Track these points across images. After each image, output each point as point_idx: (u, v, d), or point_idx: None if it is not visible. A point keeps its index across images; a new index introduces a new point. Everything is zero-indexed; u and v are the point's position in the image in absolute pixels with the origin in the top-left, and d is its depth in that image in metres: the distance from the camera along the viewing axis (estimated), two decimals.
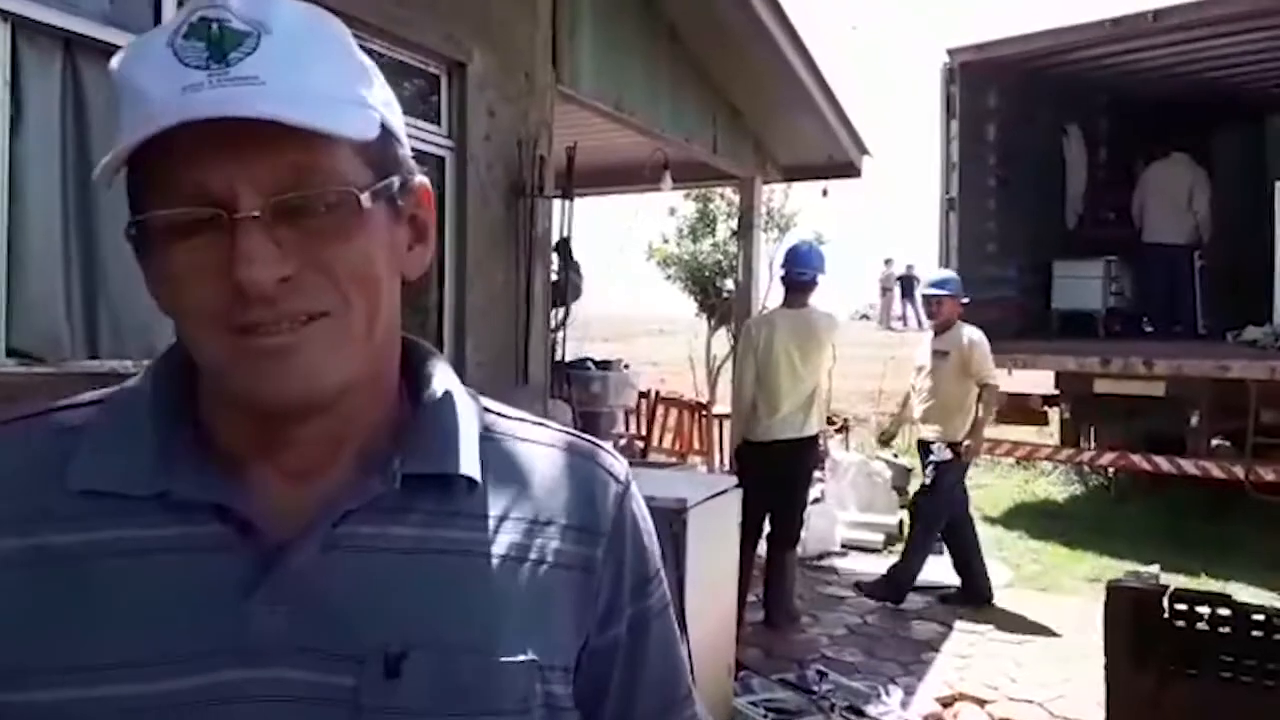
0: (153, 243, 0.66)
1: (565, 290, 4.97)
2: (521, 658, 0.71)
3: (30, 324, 2.76)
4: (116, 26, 2.88)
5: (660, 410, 8.50)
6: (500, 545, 0.74)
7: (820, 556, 6.98)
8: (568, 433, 0.84)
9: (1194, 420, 7.55)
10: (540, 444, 0.81)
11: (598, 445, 0.85)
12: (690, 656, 3.44)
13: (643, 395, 8.11)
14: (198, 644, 0.66)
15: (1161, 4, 7.03)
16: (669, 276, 11.80)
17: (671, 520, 3.49)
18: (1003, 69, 8.01)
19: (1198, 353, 7.41)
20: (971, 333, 5.97)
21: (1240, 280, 8.22)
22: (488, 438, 0.78)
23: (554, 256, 4.91)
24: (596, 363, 6.52)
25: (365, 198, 0.66)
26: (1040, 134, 8.73)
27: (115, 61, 0.66)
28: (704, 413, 8.73)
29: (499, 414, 0.82)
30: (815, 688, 4.50)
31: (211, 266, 0.63)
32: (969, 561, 6.13)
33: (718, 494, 3.92)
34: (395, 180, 0.70)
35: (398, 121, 0.73)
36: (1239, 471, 7.20)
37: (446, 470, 0.73)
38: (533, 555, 0.75)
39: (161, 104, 0.61)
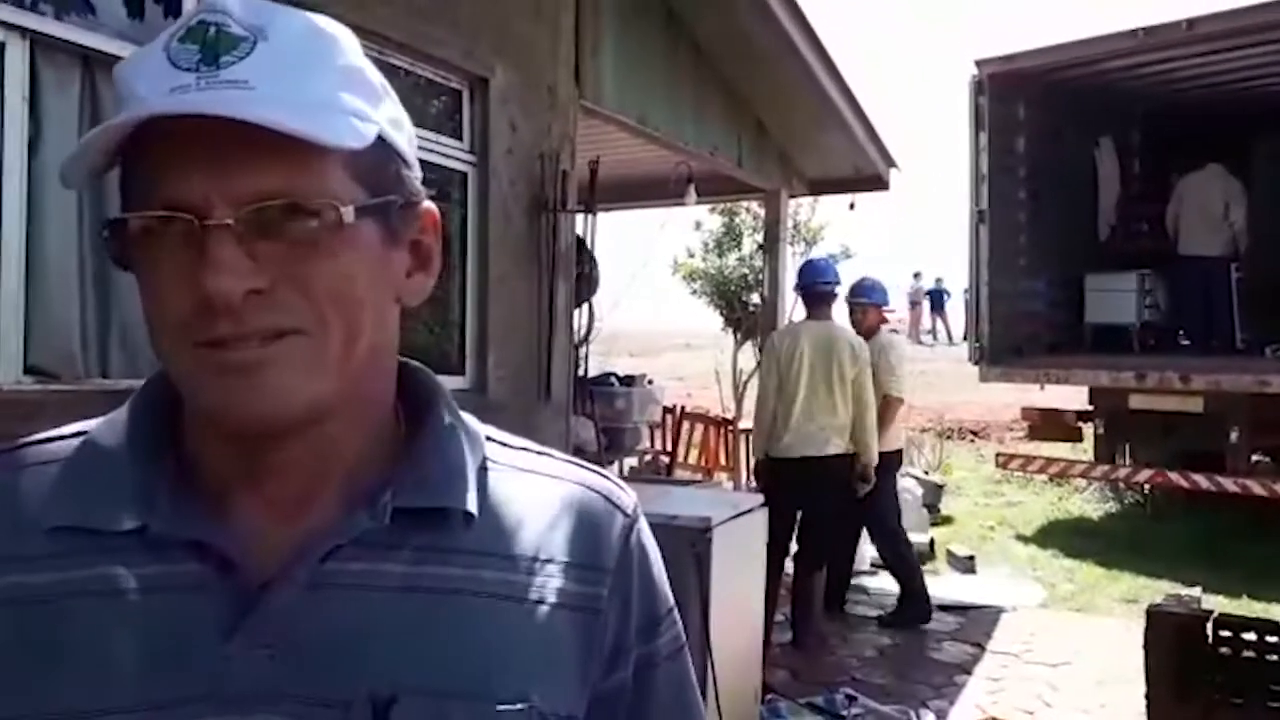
0: (134, 249, 0.63)
1: (586, 286, 4.93)
2: (521, 705, 0.66)
3: (48, 342, 2.75)
4: (136, 43, 2.87)
5: (685, 426, 8.44)
6: (498, 584, 0.69)
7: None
8: (573, 463, 0.80)
9: (1233, 436, 7.38)
10: (544, 475, 0.77)
11: (604, 476, 0.81)
12: (715, 679, 3.39)
13: (668, 411, 8.05)
14: (178, 689, 0.62)
15: (1195, 13, 6.90)
16: (694, 291, 11.75)
17: (695, 540, 3.42)
18: (1031, 80, 7.90)
19: (1236, 367, 7.25)
20: (888, 340, 6.01)
21: None
22: (488, 469, 0.74)
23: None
24: (620, 378, 6.47)
25: (348, 212, 0.63)
26: (1071, 145, 8.61)
27: (118, 66, 0.66)
28: (730, 428, 8.66)
29: (501, 443, 0.78)
30: (844, 712, 4.41)
31: (182, 275, 0.61)
32: (841, 565, 6.14)
33: (743, 513, 3.85)
34: (394, 200, 0.67)
35: (405, 143, 0.70)
36: None
37: (441, 504, 0.69)
38: (533, 595, 0.70)
39: (146, 103, 0.60)
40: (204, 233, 0.60)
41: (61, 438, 0.71)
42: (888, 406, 5.77)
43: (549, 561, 0.72)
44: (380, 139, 0.65)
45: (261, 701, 0.62)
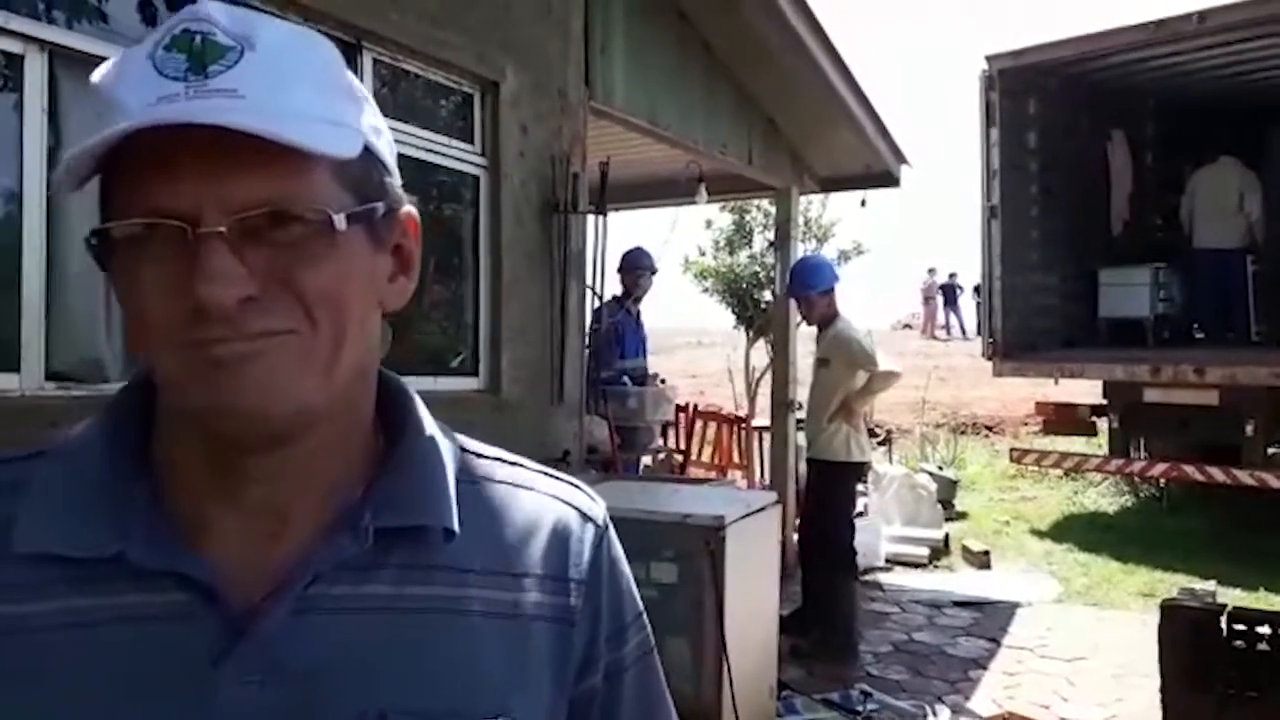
0: (116, 255, 0.63)
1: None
2: (503, 719, 0.69)
3: (70, 347, 2.79)
4: None
5: (699, 424, 8.44)
6: (477, 600, 0.71)
7: (866, 572, 6.89)
8: (545, 473, 0.82)
9: (1249, 429, 7.35)
10: (518, 487, 0.79)
11: (576, 486, 0.83)
12: (730, 676, 3.40)
13: (681, 409, 8.05)
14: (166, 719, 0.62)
15: (1206, 5, 6.86)
16: (706, 289, 11.75)
17: (709, 538, 3.44)
18: (1043, 75, 7.87)
19: (1252, 360, 7.21)
20: (847, 328, 5.45)
21: None
22: (464, 481, 0.75)
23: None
24: (633, 377, 6.49)
25: (340, 219, 0.63)
26: (1083, 140, 8.57)
27: (96, 75, 0.64)
28: (743, 426, 8.65)
29: (476, 454, 0.79)
30: (859, 708, 4.43)
31: (172, 282, 0.60)
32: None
33: (756, 511, 3.86)
34: (378, 207, 0.68)
35: (387, 150, 0.71)
36: None
37: (421, 522, 0.70)
38: (512, 609, 0.72)
39: (134, 113, 0.59)
40: (197, 241, 0.60)
41: (29, 456, 0.70)
42: (880, 383, 5.64)
43: (525, 575, 0.74)
44: (365, 147, 0.66)
45: None
